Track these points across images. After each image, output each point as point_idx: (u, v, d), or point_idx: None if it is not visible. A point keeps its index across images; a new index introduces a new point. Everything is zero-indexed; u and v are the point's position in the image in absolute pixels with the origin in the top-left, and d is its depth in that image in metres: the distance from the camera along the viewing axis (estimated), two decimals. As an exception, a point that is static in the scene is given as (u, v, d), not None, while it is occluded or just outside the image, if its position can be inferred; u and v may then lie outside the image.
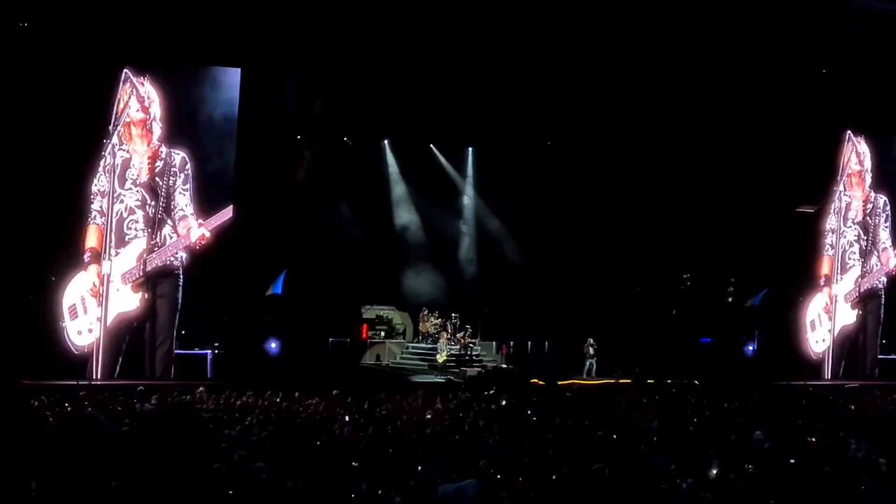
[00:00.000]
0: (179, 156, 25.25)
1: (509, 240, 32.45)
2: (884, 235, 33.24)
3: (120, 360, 24.52)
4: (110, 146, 24.45)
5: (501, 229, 32.65)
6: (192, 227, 25.10)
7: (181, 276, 25.19)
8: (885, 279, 33.15)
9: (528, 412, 18.33)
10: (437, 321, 31.36)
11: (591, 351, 30.57)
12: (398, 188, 32.35)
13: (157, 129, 24.99)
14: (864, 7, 26.62)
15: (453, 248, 33.16)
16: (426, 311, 31.63)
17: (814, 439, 15.92)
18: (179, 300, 25.19)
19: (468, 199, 33.11)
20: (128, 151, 24.78)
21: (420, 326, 31.70)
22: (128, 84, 24.55)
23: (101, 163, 24.46)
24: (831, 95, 29.47)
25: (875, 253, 33.07)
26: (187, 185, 25.32)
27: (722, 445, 14.76)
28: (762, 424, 16.49)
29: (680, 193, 30.25)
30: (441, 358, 30.04)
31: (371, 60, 26.49)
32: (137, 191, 24.85)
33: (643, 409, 19.25)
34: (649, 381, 25.18)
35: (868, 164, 32.77)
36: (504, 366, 30.40)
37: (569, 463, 13.06)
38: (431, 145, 32.27)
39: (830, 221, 32.30)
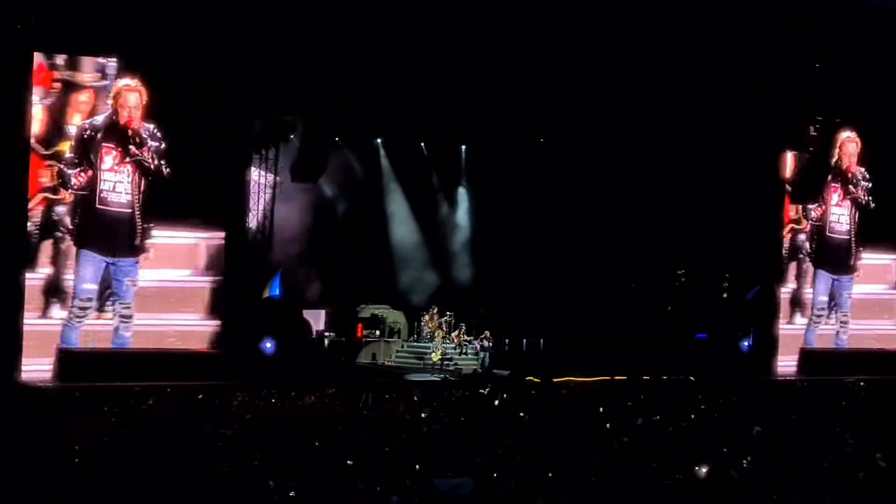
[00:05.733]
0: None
1: (503, 237, 32.34)
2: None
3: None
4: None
5: (495, 227, 32.54)
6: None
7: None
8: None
9: (524, 409, 18.31)
10: (441, 320, 31.24)
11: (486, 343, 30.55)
12: (391, 186, 32.30)
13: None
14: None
15: (448, 247, 33.08)
16: (435, 310, 31.43)
17: (810, 434, 15.92)
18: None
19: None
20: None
21: (429, 325, 31.47)
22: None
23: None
24: (828, 93, 29.55)
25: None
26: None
27: (719, 441, 14.73)
28: (760, 420, 16.49)
29: (675, 189, 30.22)
30: (436, 356, 29.98)
31: (362, 58, 26.42)
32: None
33: (640, 406, 19.24)
34: (645, 377, 25.20)
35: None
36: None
37: (565, 460, 13.04)
38: (422, 144, 32.12)
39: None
